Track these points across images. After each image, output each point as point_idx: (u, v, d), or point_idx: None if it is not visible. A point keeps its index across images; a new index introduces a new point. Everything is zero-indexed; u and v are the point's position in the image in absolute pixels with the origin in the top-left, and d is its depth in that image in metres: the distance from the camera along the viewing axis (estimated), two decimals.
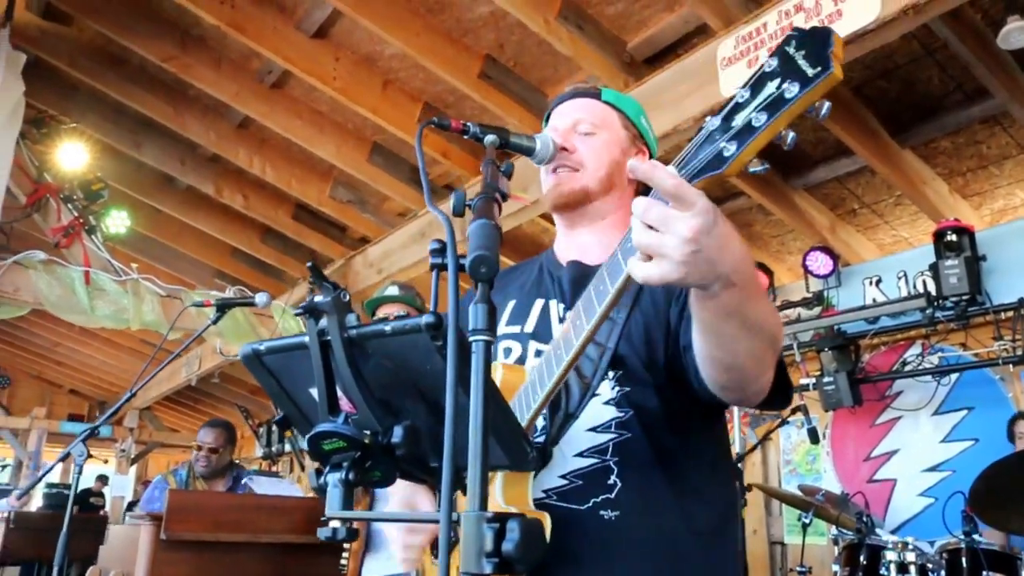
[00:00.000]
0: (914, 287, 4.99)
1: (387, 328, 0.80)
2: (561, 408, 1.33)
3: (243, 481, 4.05)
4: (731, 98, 0.96)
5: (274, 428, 10.55)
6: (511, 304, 1.55)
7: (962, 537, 3.21)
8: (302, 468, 10.04)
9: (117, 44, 5.05)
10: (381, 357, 0.82)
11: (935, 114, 4.53)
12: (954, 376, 4.91)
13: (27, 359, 12.27)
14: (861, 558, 3.40)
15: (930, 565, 3.21)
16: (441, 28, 4.51)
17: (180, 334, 5.69)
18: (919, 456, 4.99)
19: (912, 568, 3.20)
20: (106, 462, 12.71)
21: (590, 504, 1.26)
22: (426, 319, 0.76)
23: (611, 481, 1.27)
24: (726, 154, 0.94)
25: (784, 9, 3.53)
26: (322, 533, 0.80)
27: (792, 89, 0.91)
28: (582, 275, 1.45)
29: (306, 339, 0.84)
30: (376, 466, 0.81)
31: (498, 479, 1.26)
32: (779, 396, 1.25)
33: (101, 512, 9.40)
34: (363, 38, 4.77)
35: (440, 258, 0.83)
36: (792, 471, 5.68)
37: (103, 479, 11.14)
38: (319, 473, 0.83)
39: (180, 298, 5.81)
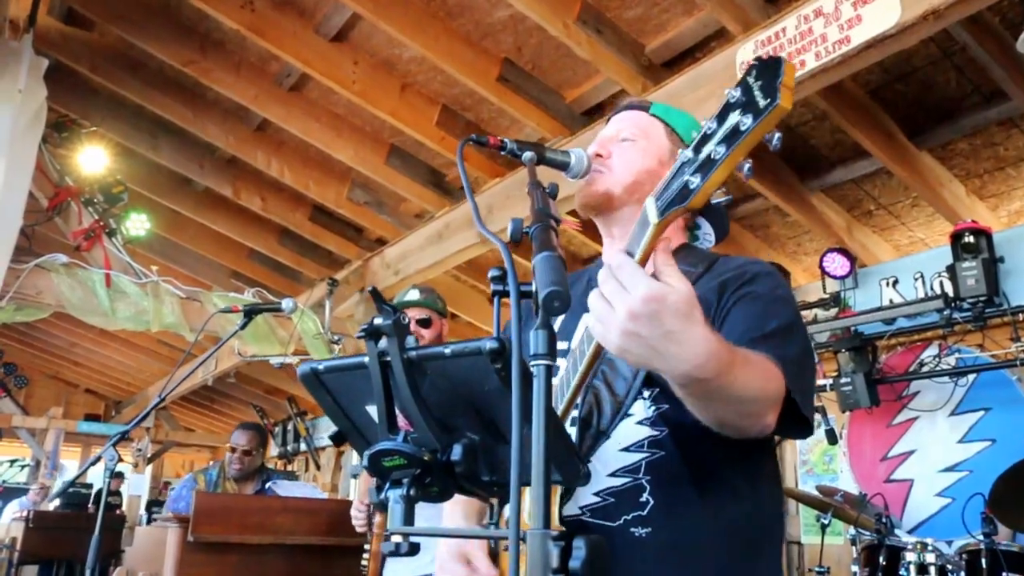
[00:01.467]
0: (931, 288, 4.99)
1: (447, 351, 0.83)
2: (592, 426, 1.34)
3: (268, 485, 4.10)
4: (701, 129, 0.99)
5: (289, 428, 10.62)
6: (559, 320, 1.54)
7: (982, 538, 3.22)
8: (317, 467, 10.12)
9: (138, 48, 5.11)
10: (439, 377, 0.86)
11: (952, 116, 4.53)
12: (971, 377, 4.91)
13: (45, 359, 12.39)
14: (881, 559, 3.42)
15: (949, 566, 3.23)
16: (460, 32, 4.55)
17: (200, 336, 5.74)
18: (936, 456, 4.99)
19: (932, 569, 3.22)
20: (122, 460, 12.81)
21: (621, 521, 1.27)
22: (489, 344, 0.80)
23: (643, 499, 1.28)
24: (691, 186, 0.97)
25: (803, 14, 3.54)
26: (385, 547, 0.83)
27: (746, 121, 0.92)
28: None
29: (365, 359, 0.88)
30: (435, 482, 0.85)
31: (527, 494, 1.30)
32: (796, 427, 1.25)
33: (118, 511, 9.50)
34: (382, 42, 4.81)
35: (501, 285, 0.86)
36: (809, 471, 5.69)
37: (119, 476, 11.24)
38: (379, 489, 0.86)
39: (199, 300, 5.87)
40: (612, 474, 1.31)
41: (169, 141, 5.96)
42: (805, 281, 5.90)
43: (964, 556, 3.26)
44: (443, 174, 5.88)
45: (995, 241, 4.63)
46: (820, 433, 5.14)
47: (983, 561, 3.15)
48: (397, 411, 0.89)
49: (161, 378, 10.64)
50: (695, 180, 0.97)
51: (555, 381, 1.28)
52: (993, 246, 4.60)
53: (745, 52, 3.78)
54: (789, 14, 3.61)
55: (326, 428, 9.67)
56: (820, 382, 5.19)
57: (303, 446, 10.35)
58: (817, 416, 4.58)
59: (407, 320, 0.87)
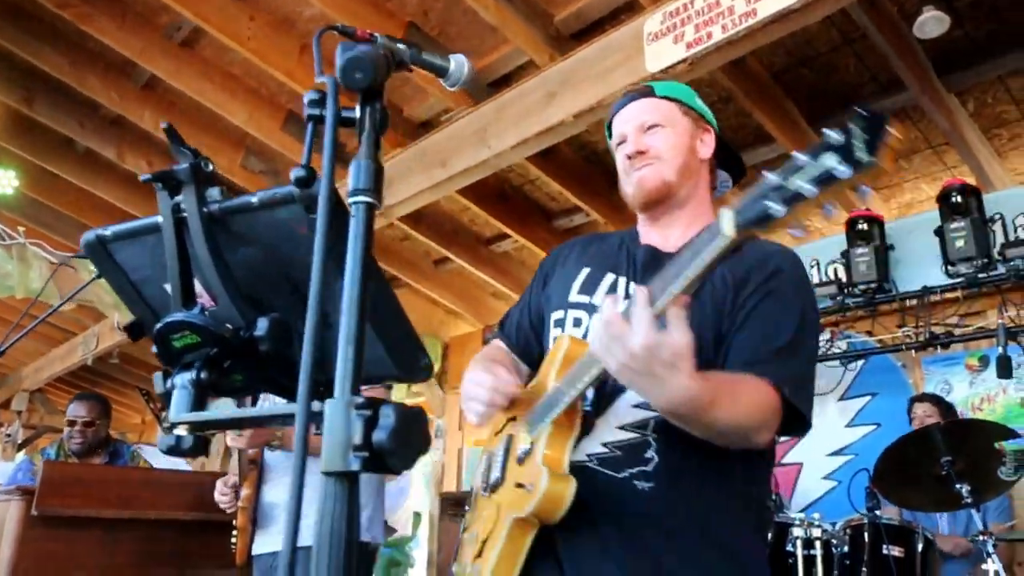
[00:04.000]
0: (826, 275, 5.07)
1: (255, 199, 0.68)
2: (609, 382, 1.37)
3: (131, 450, 3.80)
4: (791, 157, 1.02)
5: None
6: (585, 272, 1.59)
7: (865, 513, 3.25)
8: (205, 455, 9.66)
9: None
10: (247, 238, 0.70)
11: (851, 103, 4.58)
12: (860, 363, 5.02)
13: None
14: (768, 535, 3.40)
15: (834, 541, 3.24)
16: None
17: (73, 306, 5.35)
18: (824, 440, 5.08)
19: (817, 543, 3.23)
20: None
21: (626, 474, 1.35)
22: (295, 173, 0.64)
23: (648, 455, 1.36)
24: (773, 214, 0.98)
25: None
26: (163, 443, 0.67)
27: (843, 171, 0.95)
28: (655, 259, 1.50)
29: (159, 219, 0.71)
30: (236, 367, 0.69)
31: (542, 438, 1.33)
32: (796, 427, 1.38)
33: None
34: None
35: (317, 109, 0.71)
36: None
37: None
38: (166, 376, 0.70)
39: (73, 266, 5.46)
40: (622, 427, 1.38)
41: (45, 94, 5.52)
42: None
43: (848, 531, 3.28)
44: (342, 144, 5.63)
45: (886, 230, 4.73)
46: None
47: (866, 535, 3.18)
48: (199, 287, 0.73)
49: (37, 358, 9.99)
50: (779, 209, 0.98)
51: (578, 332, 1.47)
52: (885, 234, 4.70)
53: (653, 23, 3.72)
54: None
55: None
56: None
57: None
58: None
59: (210, 166, 0.71)
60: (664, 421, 1.32)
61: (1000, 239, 4.39)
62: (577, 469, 1.32)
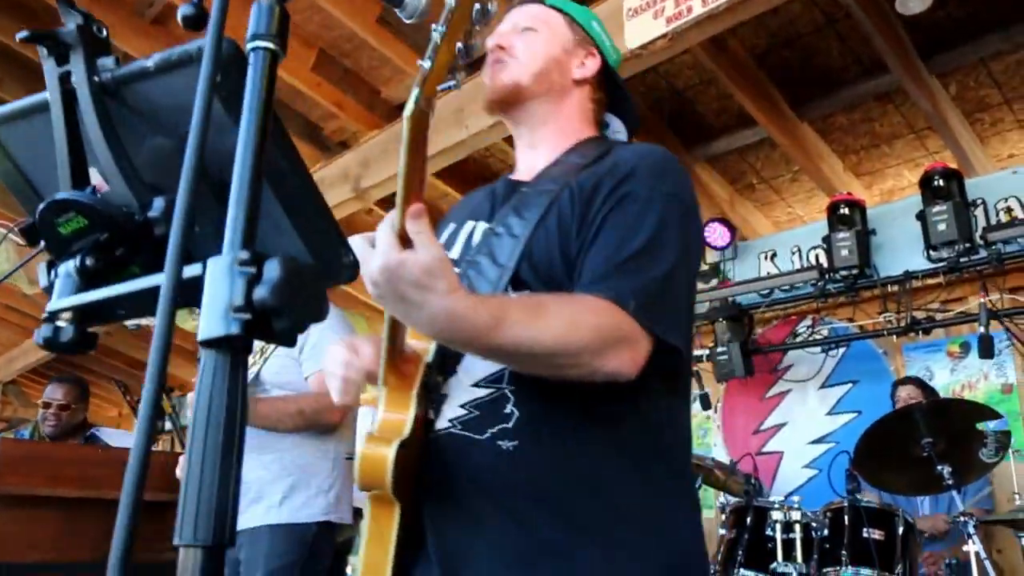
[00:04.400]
0: (807, 261, 5.03)
1: (150, 63, 0.60)
2: None
3: (90, 433, 3.70)
4: None
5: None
6: (450, 228, 1.44)
7: (845, 495, 3.19)
8: (183, 446, 9.53)
9: None
10: (144, 111, 0.62)
11: (833, 88, 4.55)
12: (841, 350, 4.98)
13: None
14: (748, 520, 3.35)
15: (814, 524, 3.18)
16: None
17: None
18: (805, 429, 5.04)
19: (797, 527, 3.17)
20: None
21: (487, 435, 1.18)
22: (183, 11, 0.56)
23: (508, 410, 1.19)
24: (422, 70, 0.99)
25: None
26: (39, 335, 0.59)
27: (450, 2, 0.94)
28: (510, 191, 1.38)
29: (47, 95, 0.63)
30: (131, 256, 0.60)
31: (380, 404, 1.18)
32: (665, 356, 1.16)
33: None
34: None
35: None
36: None
37: None
38: (51, 268, 0.62)
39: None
40: (476, 384, 1.22)
41: (9, 72, 5.38)
42: None
43: (828, 514, 3.23)
44: (319, 126, 5.55)
45: (868, 215, 4.69)
46: (695, 407, 5.11)
47: (846, 517, 3.12)
48: (95, 174, 0.64)
49: (10, 348, 9.81)
50: (425, 64, 0.98)
51: None
52: (866, 219, 4.66)
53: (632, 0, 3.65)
54: None
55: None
56: (697, 352, 5.15)
57: (168, 424, 9.72)
58: (693, 383, 4.53)
59: (104, 31, 0.62)
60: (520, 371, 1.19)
61: (982, 223, 4.36)
62: (443, 437, 1.20)
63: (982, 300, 4.03)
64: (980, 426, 3.10)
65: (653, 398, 1.25)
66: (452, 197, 5.72)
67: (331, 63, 4.93)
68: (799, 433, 5.06)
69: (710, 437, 5.53)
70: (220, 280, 0.46)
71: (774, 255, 5.25)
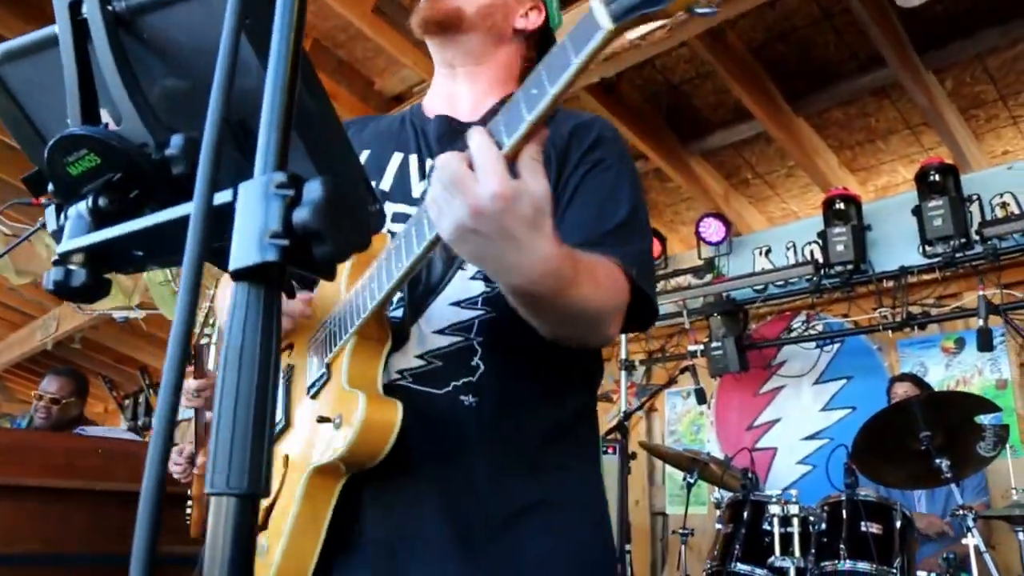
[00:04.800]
0: (802, 256, 5.02)
1: None
2: (422, 281, 1.17)
3: (76, 430, 3.64)
4: None
5: (141, 400, 9.89)
6: (365, 155, 1.34)
7: (843, 489, 3.18)
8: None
9: None
10: (164, 45, 0.58)
11: (829, 82, 4.54)
12: (835, 346, 4.98)
13: None
14: (745, 514, 3.32)
15: (811, 518, 3.16)
16: None
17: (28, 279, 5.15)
18: (799, 425, 5.03)
19: (795, 520, 3.15)
20: None
21: (450, 387, 1.12)
22: None
23: (474, 363, 1.13)
24: None
25: None
26: (49, 279, 0.55)
27: None
28: (451, 130, 1.31)
29: (55, 29, 0.59)
30: (146, 196, 0.56)
31: (344, 357, 1.08)
32: (641, 319, 1.18)
33: None
34: None
35: None
36: (676, 441, 5.63)
37: None
38: (59, 212, 0.57)
39: (28, 240, 5.23)
40: (440, 331, 1.14)
41: (9, 7, 5.27)
42: (681, 250, 5.86)
43: (826, 508, 3.21)
44: None
45: (863, 211, 4.69)
46: (689, 403, 5.10)
47: (844, 511, 3.11)
48: (105, 114, 0.60)
49: None
50: None
51: (392, 243, 1.04)
52: (862, 214, 4.65)
53: None
54: None
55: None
56: (691, 347, 5.14)
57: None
58: (688, 382, 4.54)
59: None
60: (491, 322, 1.13)
61: (977, 219, 4.36)
62: (388, 391, 1.09)
63: (981, 293, 4.03)
64: (978, 419, 3.08)
65: (586, 387, 1.29)
66: None
67: (325, 53, 4.89)
68: (793, 429, 5.05)
69: (703, 432, 5.51)
70: (254, 205, 0.43)
71: (768, 250, 5.24)
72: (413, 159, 1.31)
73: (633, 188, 1.24)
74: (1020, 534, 3.13)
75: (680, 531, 4.05)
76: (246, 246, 0.42)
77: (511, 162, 0.82)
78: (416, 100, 5.03)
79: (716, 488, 4.02)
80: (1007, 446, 3.26)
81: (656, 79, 4.70)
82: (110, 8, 0.57)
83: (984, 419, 3.08)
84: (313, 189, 0.42)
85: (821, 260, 4.70)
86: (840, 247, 4.55)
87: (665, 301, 5.28)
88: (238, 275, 0.42)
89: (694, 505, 4.45)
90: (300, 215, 0.42)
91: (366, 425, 0.99)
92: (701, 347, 5.07)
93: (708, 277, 5.26)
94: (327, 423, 1.04)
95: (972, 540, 2.91)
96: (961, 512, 2.93)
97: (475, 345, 1.13)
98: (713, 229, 5.10)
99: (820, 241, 4.70)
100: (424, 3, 1.34)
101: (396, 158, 1.31)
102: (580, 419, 1.26)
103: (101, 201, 0.54)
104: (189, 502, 2.68)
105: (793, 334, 5.10)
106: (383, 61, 4.88)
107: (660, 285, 5.46)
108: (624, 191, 1.22)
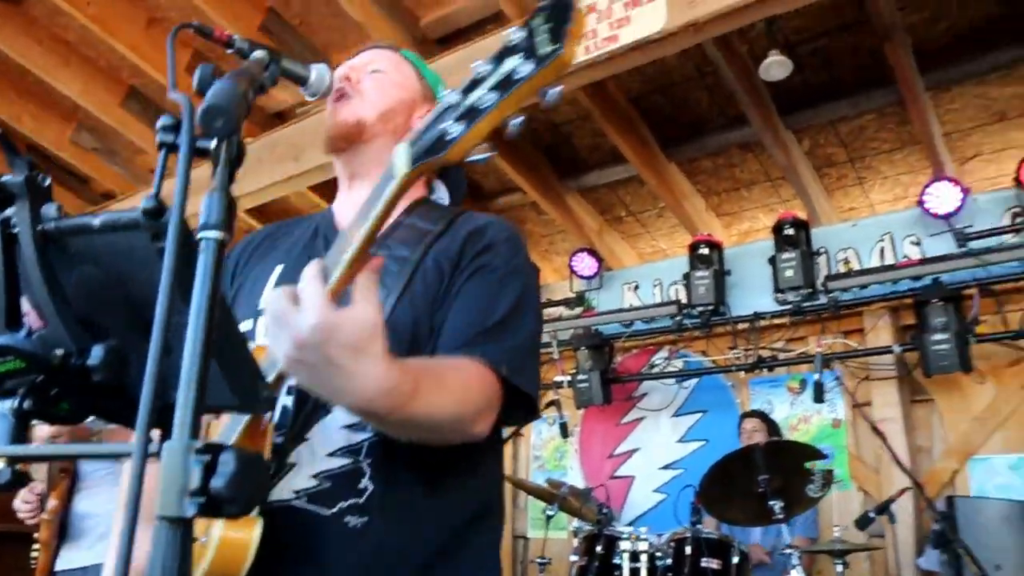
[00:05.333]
0: (668, 295, 5.30)
1: (96, 222, 0.61)
2: (310, 400, 1.16)
3: None
4: (471, 69, 0.87)
5: None
6: (279, 269, 1.35)
7: (689, 527, 3.41)
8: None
9: None
10: (85, 259, 0.63)
11: (700, 133, 4.84)
12: (693, 381, 5.28)
13: None
14: (598, 548, 3.51)
15: (659, 553, 3.37)
16: None
17: None
18: (657, 455, 5.31)
19: (643, 556, 3.35)
20: None
21: (336, 509, 1.13)
22: (144, 203, 0.58)
23: (362, 485, 1.14)
24: (449, 136, 0.85)
25: (579, 7, 3.57)
26: None
27: (523, 69, 0.82)
28: None
29: None
30: (64, 395, 0.61)
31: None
32: (522, 413, 1.22)
33: None
34: None
35: (171, 136, 0.65)
36: (540, 467, 5.82)
37: None
38: None
39: None
40: (332, 454, 1.16)
41: None
42: (554, 280, 6.06)
43: (672, 543, 3.43)
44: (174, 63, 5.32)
45: (725, 255, 5.01)
46: (554, 430, 5.28)
47: (687, 547, 3.34)
48: (28, 307, 0.65)
49: None
50: (456, 129, 0.84)
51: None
52: (723, 259, 4.97)
53: None
54: None
55: None
56: (558, 378, 5.33)
57: None
58: (553, 411, 4.71)
59: (47, 180, 0.63)
60: (380, 444, 1.15)
61: (824, 271, 4.75)
62: (282, 510, 1.11)
63: (818, 350, 4.39)
64: (809, 465, 3.38)
65: (488, 460, 1.30)
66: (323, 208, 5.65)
67: (204, 64, 4.77)
68: (651, 459, 5.33)
69: (567, 459, 5.72)
70: (176, 463, 0.49)
71: (637, 286, 5.50)
72: None
73: (517, 288, 1.26)
74: (839, 566, 3.47)
75: (539, 559, 4.21)
76: (170, 498, 0.49)
77: (341, 290, 0.89)
78: (298, 120, 4.92)
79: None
80: (835, 481, 3.59)
81: (538, 117, 4.86)
82: (40, 228, 0.61)
83: (813, 465, 3.38)
84: (227, 461, 0.49)
85: (685, 300, 4.99)
86: (702, 289, 4.85)
87: None
88: (163, 518, 0.49)
89: (554, 530, 4.63)
90: (216, 484, 0.49)
91: (222, 542, 1.00)
92: (568, 378, 5.27)
93: (579, 310, 5.46)
94: (196, 541, 1.03)
95: (796, 574, 3.21)
96: (787, 551, 3.24)
97: (364, 467, 1.15)
98: (585, 264, 5.31)
99: (685, 282, 4.99)
100: (328, 122, 1.36)
101: (278, 272, 1.33)
102: (480, 522, 1.26)
103: (25, 403, 0.59)
104: (36, 544, 2.58)
105: (655, 369, 5.38)
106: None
107: None
108: (507, 292, 1.24)
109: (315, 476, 1.15)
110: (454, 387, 1.07)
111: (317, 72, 1.34)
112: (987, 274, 4.25)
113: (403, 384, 0.95)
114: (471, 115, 0.84)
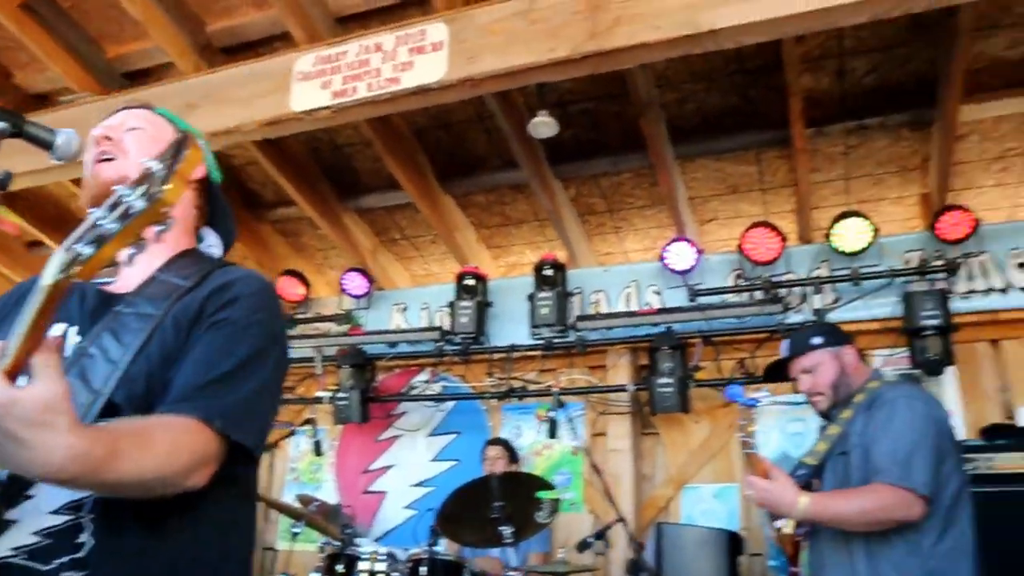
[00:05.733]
0: (433, 320, 5.52)
1: None
2: None
3: None
4: (117, 192, 0.98)
5: None
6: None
7: (426, 547, 3.61)
8: None
9: None
10: None
11: (476, 171, 5.11)
12: (450, 404, 5.53)
13: None
14: (338, 566, 3.62)
15: (396, 573, 3.55)
16: None
17: None
18: (410, 472, 5.49)
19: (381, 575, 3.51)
20: None
21: (54, 564, 1.14)
22: None
23: (81, 539, 1.16)
24: (81, 256, 0.93)
25: (366, 44, 3.68)
26: None
27: (136, 206, 0.95)
28: (104, 304, 1.34)
29: None
30: None
31: None
32: (247, 459, 1.27)
33: None
34: None
35: None
36: (296, 479, 5.83)
37: None
38: None
39: None
40: (55, 511, 1.17)
41: None
42: (326, 294, 6.10)
43: (411, 563, 3.62)
44: None
45: (489, 287, 5.31)
46: (311, 443, 5.30)
47: (423, 568, 3.53)
48: None
49: None
50: (86, 251, 0.93)
51: None
52: (487, 291, 5.27)
53: (304, 63, 3.79)
54: (353, 40, 3.73)
55: None
56: (320, 393, 5.39)
57: None
58: (308, 428, 4.77)
59: None
60: (103, 498, 1.17)
61: (576, 310, 5.16)
62: (1, 566, 1.13)
63: (556, 390, 4.78)
64: (538, 495, 3.70)
65: (223, 503, 1.30)
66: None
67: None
68: (404, 475, 5.50)
69: (322, 472, 5.77)
70: None
71: (406, 308, 5.68)
72: (72, 332, 1.31)
73: (253, 342, 1.29)
74: None
75: (284, 574, 4.25)
76: None
77: (21, 366, 0.94)
78: (62, 109, 4.68)
79: None
80: (571, 503, 3.92)
81: (321, 137, 4.92)
82: None
83: (542, 494, 3.69)
84: None
85: (448, 327, 5.22)
86: (464, 319, 5.11)
87: (303, 345, 5.49)
88: None
89: (302, 542, 4.68)
90: None
91: None
92: (330, 394, 5.33)
93: (347, 327, 5.55)
94: None
95: None
96: (514, 573, 3.53)
97: (85, 522, 1.16)
98: (356, 283, 5.42)
99: (449, 310, 5.22)
100: (90, 182, 1.37)
101: (57, 329, 1.31)
102: (218, 556, 1.29)
103: None
104: None
105: (415, 390, 5.57)
106: (25, 56, 4.51)
107: (300, 329, 5.65)
108: (240, 345, 1.27)
109: (36, 533, 1.16)
110: (159, 446, 1.10)
111: (65, 137, 1.36)
112: (710, 327, 4.82)
113: (95, 450, 0.99)
114: (100, 241, 0.93)
